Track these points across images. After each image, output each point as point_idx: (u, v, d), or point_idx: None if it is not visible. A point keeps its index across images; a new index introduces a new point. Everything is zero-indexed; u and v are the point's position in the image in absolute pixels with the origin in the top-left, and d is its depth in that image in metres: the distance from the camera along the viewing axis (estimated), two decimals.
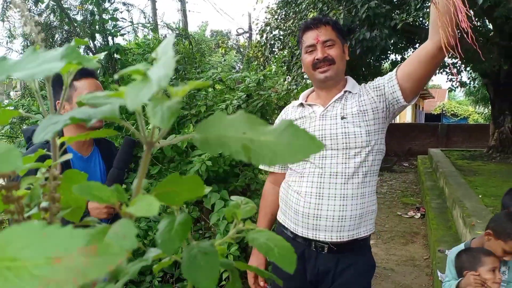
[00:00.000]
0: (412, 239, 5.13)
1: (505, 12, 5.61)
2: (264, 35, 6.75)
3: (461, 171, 7.56)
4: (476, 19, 8.02)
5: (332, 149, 1.52)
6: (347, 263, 1.55)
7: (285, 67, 6.10)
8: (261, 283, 1.74)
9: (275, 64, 4.33)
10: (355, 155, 1.51)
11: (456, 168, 7.85)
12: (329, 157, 1.52)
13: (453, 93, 34.44)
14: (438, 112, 28.37)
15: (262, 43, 6.79)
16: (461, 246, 2.02)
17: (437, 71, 12.17)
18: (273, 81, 3.09)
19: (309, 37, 1.59)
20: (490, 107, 12.27)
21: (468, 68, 10.48)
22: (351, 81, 1.66)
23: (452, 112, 28.43)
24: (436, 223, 4.79)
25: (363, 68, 9.57)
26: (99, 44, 3.44)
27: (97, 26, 3.33)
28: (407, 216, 6.18)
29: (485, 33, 8.61)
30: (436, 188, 6.84)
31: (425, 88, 23.94)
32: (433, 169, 8.71)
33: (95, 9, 3.31)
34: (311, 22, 1.60)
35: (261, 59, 6.63)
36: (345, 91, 1.60)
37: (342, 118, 1.54)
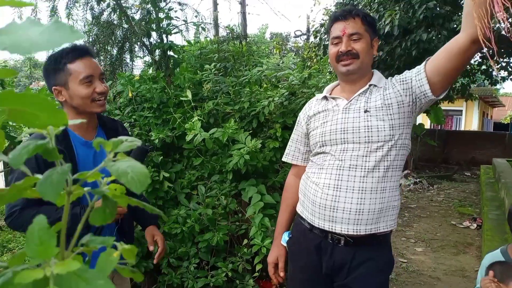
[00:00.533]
0: (464, 250, 4.88)
1: None
2: (318, 36, 6.71)
3: None
4: None
5: (354, 143, 1.52)
6: (364, 257, 1.53)
7: None
8: (282, 274, 1.77)
9: (322, 63, 4.31)
10: (377, 149, 1.49)
11: None
12: (350, 150, 1.52)
13: None
14: (509, 122, 26.51)
15: (316, 44, 6.75)
16: (497, 252, 1.92)
17: (508, 77, 11.44)
18: (318, 79, 3.10)
19: (336, 29, 1.58)
20: None
21: None
22: (377, 74, 1.64)
23: None
24: (491, 235, 4.53)
25: None
26: (154, 42, 3.63)
27: (153, 25, 3.51)
28: (462, 226, 5.88)
29: None
30: (496, 199, 6.44)
31: (494, 95, 22.47)
32: (496, 180, 8.20)
33: (152, 8, 3.50)
34: (340, 14, 1.59)
35: (315, 60, 6.60)
36: (370, 85, 1.59)
37: (365, 111, 1.52)
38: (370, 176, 1.49)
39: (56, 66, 1.52)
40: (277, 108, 2.99)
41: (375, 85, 1.59)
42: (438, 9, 4.86)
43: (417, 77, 1.48)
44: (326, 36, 6.48)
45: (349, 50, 1.54)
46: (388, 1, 5.08)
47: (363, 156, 1.50)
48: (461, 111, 21.67)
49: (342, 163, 1.52)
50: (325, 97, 1.68)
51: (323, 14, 8.77)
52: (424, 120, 17.11)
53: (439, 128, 15.59)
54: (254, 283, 2.61)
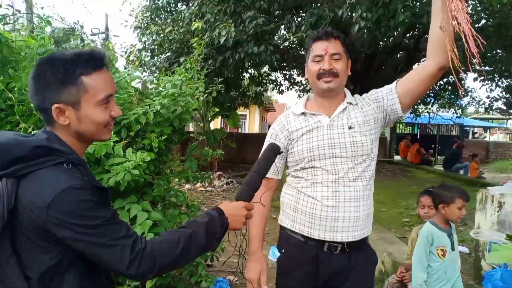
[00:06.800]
0: None
1: None
2: (144, 39, 6.50)
3: None
4: None
5: (342, 157, 1.65)
6: (357, 260, 1.70)
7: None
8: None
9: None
10: (361, 161, 1.67)
11: None
12: (339, 164, 1.65)
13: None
14: None
15: (141, 47, 6.52)
16: (428, 225, 2.35)
17: (287, 88, 13.65)
18: (192, 87, 3.02)
19: (319, 48, 1.68)
20: None
21: None
22: (348, 92, 1.80)
23: None
24: None
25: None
26: None
27: None
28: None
29: None
30: None
31: (270, 102, 25.94)
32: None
33: None
34: (323, 34, 1.70)
35: (137, 63, 6.35)
36: (348, 103, 1.74)
37: (350, 127, 1.68)
38: (360, 185, 1.66)
39: (65, 76, 1.05)
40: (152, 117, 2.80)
41: (350, 103, 1.75)
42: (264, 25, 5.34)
43: (389, 97, 1.71)
44: (152, 39, 6.32)
45: (331, 69, 1.65)
46: (220, 13, 5.29)
47: (351, 168, 1.66)
48: (246, 115, 24.35)
49: (335, 176, 1.64)
50: (303, 113, 1.76)
51: (130, 15, 8.55)
52: (217, 124, 18.41)
53: (236, 131, 17.02)
54: None
